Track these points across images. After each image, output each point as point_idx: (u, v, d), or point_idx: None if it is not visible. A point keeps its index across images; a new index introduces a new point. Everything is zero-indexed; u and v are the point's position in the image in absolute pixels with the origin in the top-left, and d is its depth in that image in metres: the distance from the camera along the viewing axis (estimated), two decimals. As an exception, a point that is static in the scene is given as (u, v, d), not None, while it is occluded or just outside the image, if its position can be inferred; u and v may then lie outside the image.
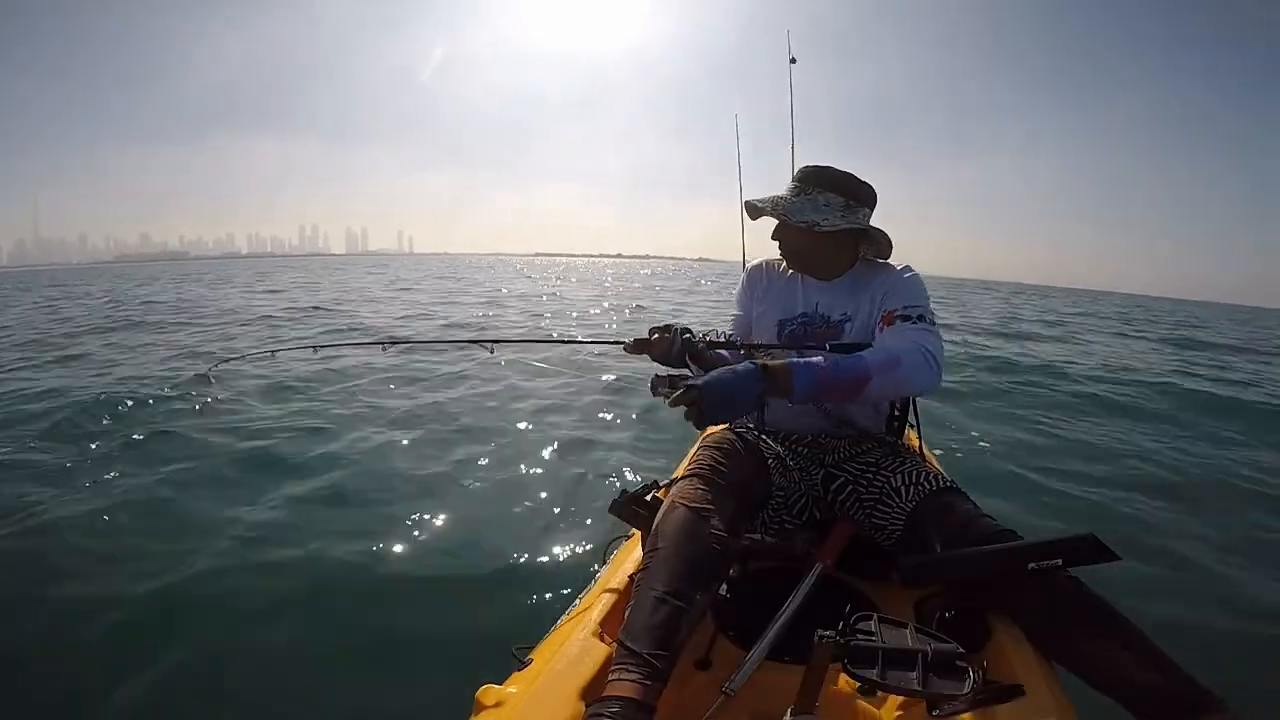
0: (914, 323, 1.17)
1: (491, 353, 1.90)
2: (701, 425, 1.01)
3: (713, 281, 28.58)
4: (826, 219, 1.23)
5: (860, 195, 1.26)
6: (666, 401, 1.02)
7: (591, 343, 1.81)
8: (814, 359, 1.06)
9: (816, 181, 1.26)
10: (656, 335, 1.32)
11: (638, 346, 1.36)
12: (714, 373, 0.99)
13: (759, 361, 1.02)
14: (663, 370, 1.19)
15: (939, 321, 1.22)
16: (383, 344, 2.19)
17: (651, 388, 1.11)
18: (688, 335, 1.31)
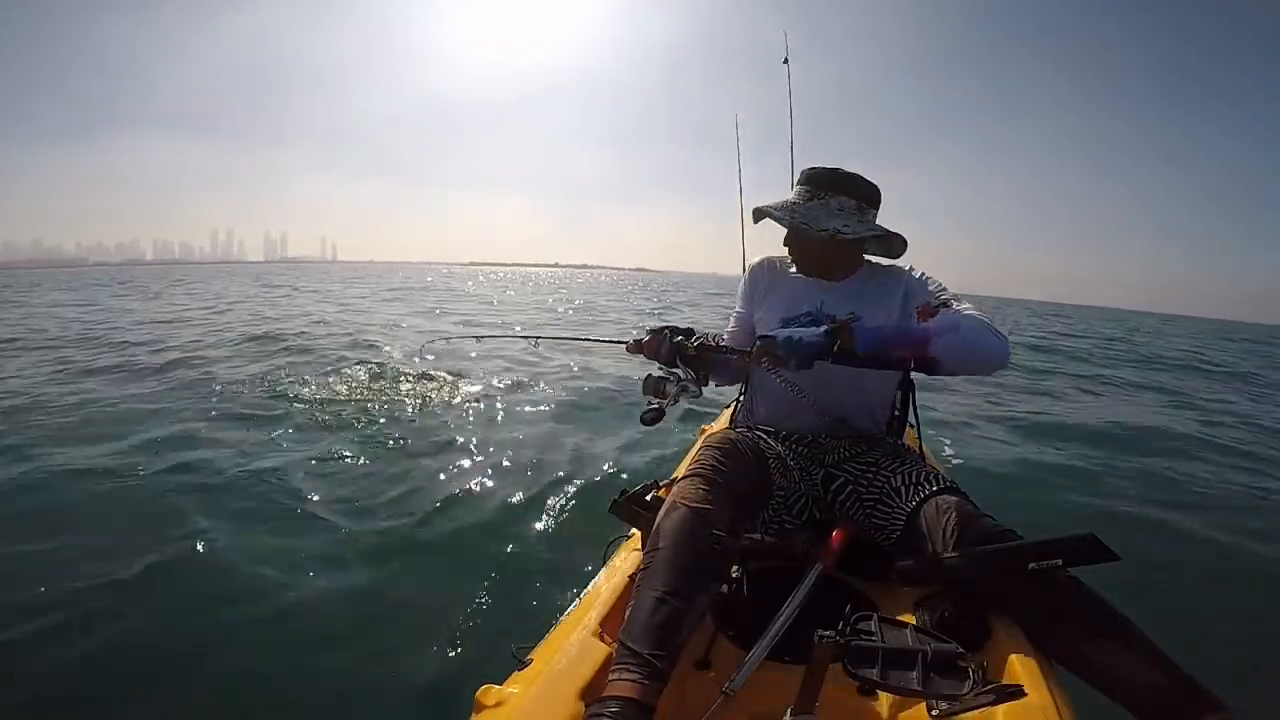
0: (950, 307, 1.18)
1: (536, 345, 2.05)
2: (663, 393, 1.19)
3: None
4: (847, 225, 1.23)
5: (869, 197, 1.27)
6: (647, 393, 1.19)
7: (594, 341, 1.88)
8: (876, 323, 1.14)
9: (828, 185, 1.25)
10: (650, 336, 1.35)
11: (635, 347, 1.40)
12: (788, 329, 1.14)
13: (830, 324, 1.13)
14: (657, 371, 1.22)
15: None
16: (478, 337, 2.38)
17: (643, 388, 1.22)
18: (678, 339, 1.33)
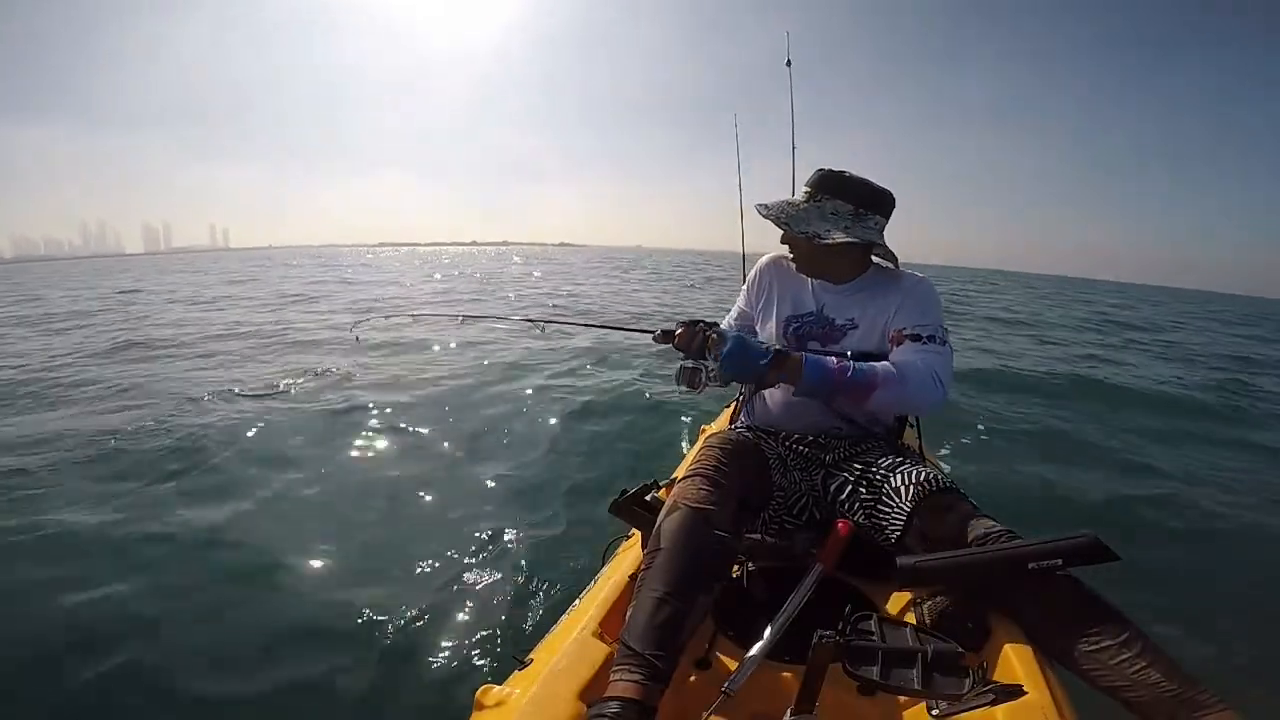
0: (923, 343, 1.19)
1: (543, 331, 2.04)
2: (696, 383, 1.22)
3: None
4: (829, 230, 1.23)
5: (872, 202, 1.26)
6: (681, 382, 1.24)
7: (620, 329, 1.86)
8: (829, 359, 1.15)
9: (828, 188, 1.26)
10: (682, 329, 1.35)
11: (664, 337, 1.42)
12: (737, 338, 1.15)
13: (776, 347, 1.15)
14: (689, 362, 1.27)
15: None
16: (459, 317, 2.38)
17: (675, 377, 1.26)
18: (710, 331, 1.34)
